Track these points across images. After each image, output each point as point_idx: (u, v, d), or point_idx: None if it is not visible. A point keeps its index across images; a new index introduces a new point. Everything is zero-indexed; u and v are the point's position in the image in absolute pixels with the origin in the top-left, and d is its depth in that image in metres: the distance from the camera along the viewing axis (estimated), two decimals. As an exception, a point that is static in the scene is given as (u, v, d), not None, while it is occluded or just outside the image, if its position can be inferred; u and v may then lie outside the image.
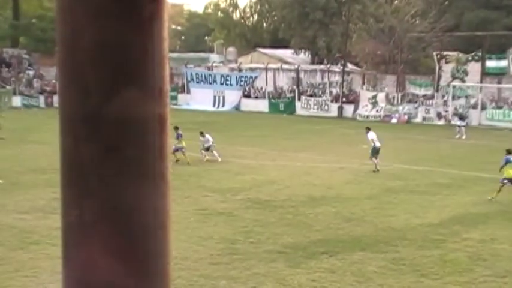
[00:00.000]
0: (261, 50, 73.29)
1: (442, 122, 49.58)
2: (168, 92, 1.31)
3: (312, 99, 57.68)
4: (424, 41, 56.59)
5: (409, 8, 57.03)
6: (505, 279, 13.53)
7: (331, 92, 57.73)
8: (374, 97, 54.14)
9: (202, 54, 77.28)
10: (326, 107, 56.31)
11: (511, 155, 21.72)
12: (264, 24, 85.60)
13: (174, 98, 59.44)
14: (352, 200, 20.96)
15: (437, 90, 53.12)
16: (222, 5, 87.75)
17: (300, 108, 57.46)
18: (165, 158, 1.31)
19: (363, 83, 57.84)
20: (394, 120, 51.23)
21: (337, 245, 15.85)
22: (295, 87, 59.84)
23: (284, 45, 71.34)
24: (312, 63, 68.31)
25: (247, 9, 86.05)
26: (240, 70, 64.41)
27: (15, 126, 36.57)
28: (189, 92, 64.00)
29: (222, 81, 62.56)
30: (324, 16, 65.73)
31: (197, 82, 63.83)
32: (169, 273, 1.33)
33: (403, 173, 25.93)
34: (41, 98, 58.34)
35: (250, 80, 62.23)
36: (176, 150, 26.71)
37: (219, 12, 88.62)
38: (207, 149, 28.47)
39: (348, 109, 55.29)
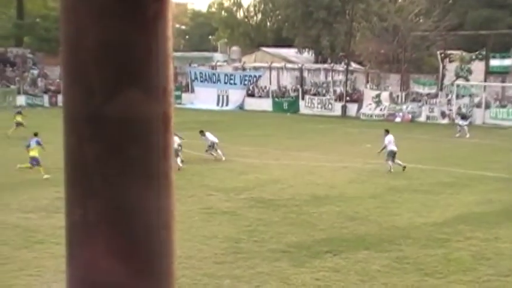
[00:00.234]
0: (264, 49, 73.31)
1: (446, 121, 49.51)
2: (172, 92, 1.31)
3: (316, 98, 57.66)
4: (428, 40, 56.55)
5: (413, 7, 57.00)
6: (508, 278, 13.51)
7: (334, 91, 57.70)
8: (378, 96, 54.09)
9: (206, 54, 77.35)
10: (330, 106, 56.28)
11: None
12: (268, 23, 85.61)
13: (178, 97, 59.50)
14: (355, 199, 20.95)
15: (441, 89, 53.07)
16: (226, 4, 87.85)
17: (303, 107, 57.44)
18: (169, 157, 1.31)
19: (367, 82, 57.79)
20: (398, 119, 51.18)
21: (341, 244, 15.84)
22: (298, 86, 59.84)
23: (288, 44, 71.35)
24: (316, 62, 68.31)
25: (251, 9, 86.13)
26: (243, 69, 64.42)
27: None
28: (193, 91, 64.04)
29: (225, 81, 62.57)
30: (327, 15, 65.73)
31: (201, 81, 63.85)
32: (173, 272, 1.33)
33: (406, 172, 25.89)
34: (45, 97, 58.50)
35: (254, 79, 62.22)
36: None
37: (223, 12, 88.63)
38: (211, 147, 28.45)
39: (352, 108, 55.24)
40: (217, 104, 61.53)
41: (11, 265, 14.03)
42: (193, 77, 64.44)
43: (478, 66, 52.32)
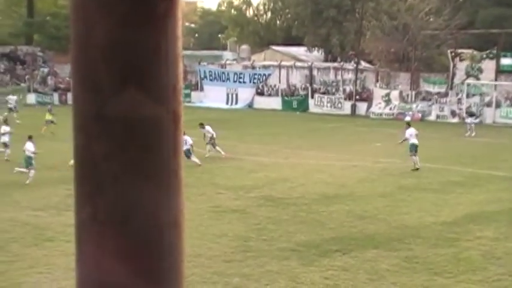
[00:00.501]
0: (274, 47, 73.27)
1: (456, 120, 49.32)
2: (181, 90, 1.31)
3: (325, 97, 57.57)
4: (438, 39, 56.37)
5: (423, 6, 56.83)
6: (519, 278, 13.47)
7: (344, 90, 57.58)
8: (387, 95, 53.94)
9: (216, 52, 77.41)
10: (339, 105, 56.18)
11: None
12: (278, 22, 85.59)
13: (188, 95, 59.57)
14: (365, 197, 20.93)
15: (451, 88, 52.86)
16: (236, 2, 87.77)
17: (313, 106, 57.36)
18: (179, 155, 1.31)
19: (377, 81, 57.65)
20: (407, 118, 50.84)
21: (350, 242, 15.83)
22: (308, 84, 59.75)
23: (297, 43, 71.29)
24: (326, 60, 68.21)
25: (261, 7, 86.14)
26: (253, 68, 64.41)
27: (29, 123, 36.71)
28: (202, 89, 64.09)
29: (235, 79, 62.57)
30: (337, 14, 65.64)
31: (210, 80, 63.89)
32: (182, 271, 1.33)
33: (416, 171, 25.83)
34: (55, 95, 58.71)
35: (264, 77, 62.19)
36: None
37: (233, 10, 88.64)
38: (211, 141, 28.58)
39: (362, 107, 55.11)
40: (227, 103, 61.55)
41: (21, 263, 14.09)
42: (202, 76, 64.49)
43: (488, 65, 52.08)
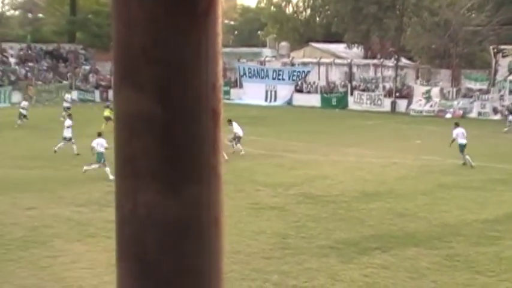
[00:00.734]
0: (313, 44, 73.02)
1: (498, 117, 48.63)
2: (221, 87, 1.32)
3: (365, 94, 57.24)
4: (480, 35, 55.58)
5: (465, 1, 56.09)
6: (563, 277, 13.24)
7: (384, 87, 57.18)
8: (428, 92, 53.39)
9: (255, 49, 77.37)
10: (379, 102, 55.80)
11: None
12: (317, 19, 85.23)
13: (227, 92, 59.68)
14: (405, 195, 20.77)
15: (493, 85, 52.12)
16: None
17: (352, 103, 57.08)
18: (218, 152, 1.31)
19: (417, 78, 57.13)
20: (448, 115, 50.37)
21: (390, 240, 15.73)
22: (347, 81, 59.46)
23: (337, 40, 70.94)
24: (365, 57, 67.79)
25: (300, 4, 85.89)
26: (292, 65, 64.30)
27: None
28: (241, 86, 64.18)
29: (274, 76, 62.52)
30: (377, 10, 65.12)
31: (249, 77, 63.95)
32: (222, 268, 1.33)
33: (457, 168, 25.56)
34: (97, 93, 59.40)
35: (303, 74, 62.05)
36: None
37: (272, 7, 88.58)
38: (236, 139, 28.57)
39: (401, 104, 54.65)
40: (266, 100, 61.55)
41: (64, 258, 14.30)
42: (241, 73, 64.58)
43: (531, 61, 51.29)
